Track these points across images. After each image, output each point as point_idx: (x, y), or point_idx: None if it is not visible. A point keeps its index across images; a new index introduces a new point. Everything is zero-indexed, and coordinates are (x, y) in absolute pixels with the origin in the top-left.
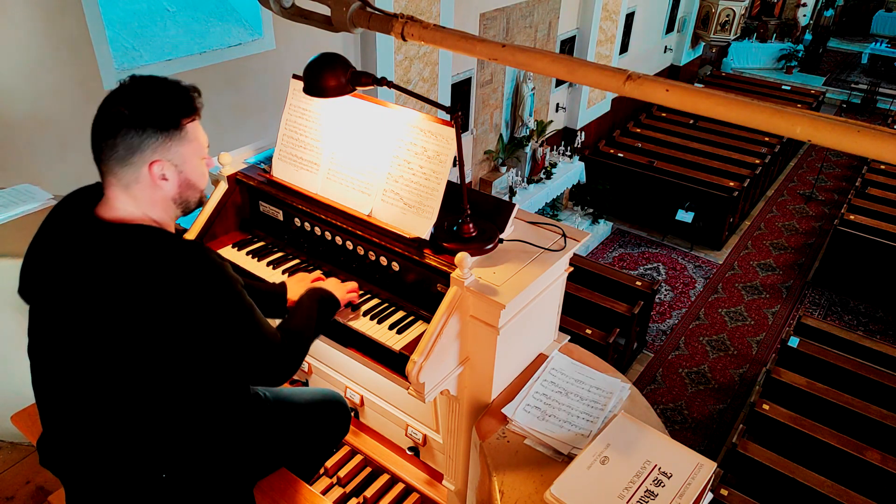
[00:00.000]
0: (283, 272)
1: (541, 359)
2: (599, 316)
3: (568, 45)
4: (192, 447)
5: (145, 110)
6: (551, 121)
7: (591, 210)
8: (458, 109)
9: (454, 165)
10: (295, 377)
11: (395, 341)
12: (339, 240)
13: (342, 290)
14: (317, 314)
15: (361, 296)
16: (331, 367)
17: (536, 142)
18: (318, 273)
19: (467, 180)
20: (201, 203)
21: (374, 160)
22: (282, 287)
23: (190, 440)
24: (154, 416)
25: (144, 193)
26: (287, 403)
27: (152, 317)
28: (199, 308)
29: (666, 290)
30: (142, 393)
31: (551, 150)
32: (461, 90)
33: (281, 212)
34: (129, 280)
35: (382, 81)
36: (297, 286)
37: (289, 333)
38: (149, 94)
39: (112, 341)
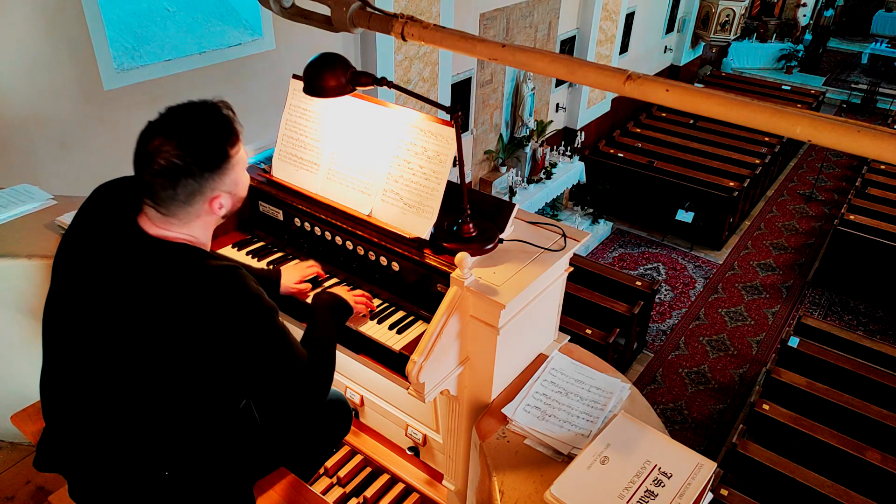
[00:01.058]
0: None
1: (541, 359)
2: (599, 316)
3: (568, 45)
4: (195, 445)
5: (199, 154)
6: (551, 121)
7: (591, 210)
8: (458, 109)
9: (454, 165)
10: None
11: (395, 341)
12: (339, 240)
13: (351, 296)
14: (334, 323)
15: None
16: None
17: (536, 142)
18: (311, 261)
19: (467, 180)
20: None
21: (374, 160)
22: (276, 273)
23: (193, 439)
24: (161, 418)
25: (200, 223)
26: None
27: (179, 333)
28: (230, 333)
29: (666, 290)
30: (153, 398)
31: (551, 150)
32: (461, 90)
33: (281, 212)
34: (167, 297)
35: (382, 81)
36: (292, 273)
37: (317, 353)
38: (196, 133)
39: (136, 349)
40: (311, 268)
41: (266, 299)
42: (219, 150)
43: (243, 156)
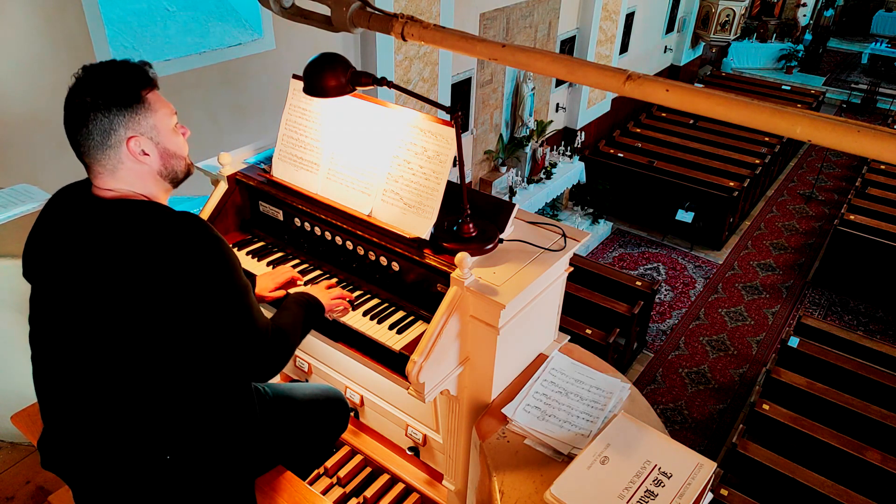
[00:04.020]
0: None
1: (541, 359)
2: (599, 316)
3: (568, 45)
4: (194, 429)
5: (105, 92)
6: (551, 121)
7: (591, 210)
8: (458, 109)
9: (454, 165)
10: (294, 377)
11: (395, 341)
12: (339, 240)
13: (327, 297)
14: (303, 319)
15: (361, 296)
16: (331, 367)
17: (536, 142)
18: (288, 267)
19: (467, 180)
20: (189, 173)
21: (374, 160)
22: (251, 278)
23: (192, 422)
24: (155, 395)
25: (131, 173)
26: (286, 398)
27: (148, 286)
28: (194, 278)
29: (666, 290)
30: (140, 369)
31: (551, 150)
32: (461, 90)
33: (281, 212)
34: (125, 251)
35: (382, 81)
36: (266, 281)
37: (277, 329)
38: (104, 76)
39: (110, 315)
40: (285, 274)
41: (227, 246)
42: (127, 88)
43: (165, 107)
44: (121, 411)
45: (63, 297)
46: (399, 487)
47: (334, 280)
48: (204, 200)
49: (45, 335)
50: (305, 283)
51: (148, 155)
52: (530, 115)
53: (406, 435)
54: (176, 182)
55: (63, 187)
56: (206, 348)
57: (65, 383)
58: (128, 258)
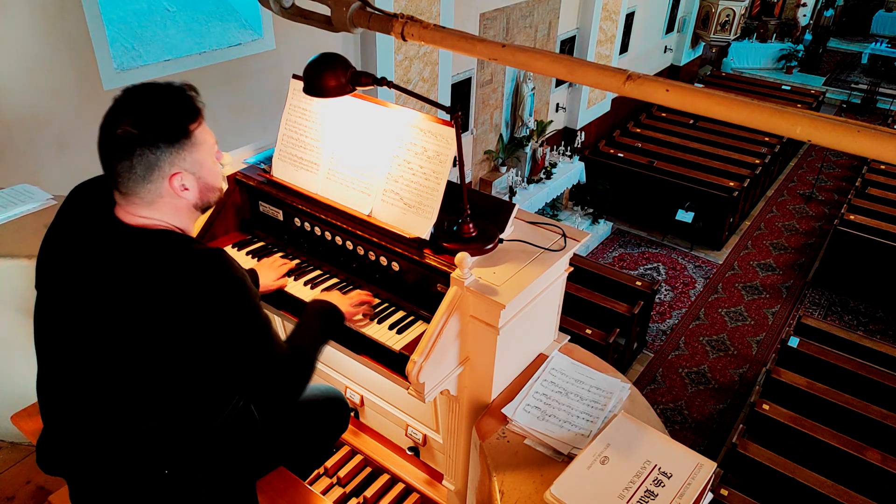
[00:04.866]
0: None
1: (541, 359)
2: (599, 316)
3: (568, 45)
4: (193, 443)
5: (153, 125)
6: (551, 121)
7: (591, 210)
8: (458, 109)
9: (454, 165)
10: None
11: (395, 341)
12: (339, 240)
13: (346, 303)
14: (321, 332)
15: None
16: (331, 367)
17: (536, 142)
18: (278, 256)
19: (467, 180)
20: (220, 200)
21: (374, 160)
22: (254, 275)
23: (191, 436)
24: (156, 413)
25: (168, 206)
26: None
27: (166, 320)
28: (214, 317)
29: (666, 290)
30: (146, 391)
31: (551, 150)
32: (461, 90)
33: (281, 212)
34: (148, 283)
35: (382, 81)
36: (269, 273)
37: (297, 351)
38: (151, 106)
39: (123, 340)
40: (284, 266)
41: (250, 283)
42: (176, 123)
43: (209, 139)
44: (121, 426)
45: (79, 317)
46: (399, 487)
47: (350, 287)
48: None
49: (53, 348)
50: (305, 283)
51: (188, 189)
52: (530, 115)
53: (406, 435)
54: (207, 210)
55: (80, 189)
56: (228, 382)
57: (68, 392)
58: (150, 291)
